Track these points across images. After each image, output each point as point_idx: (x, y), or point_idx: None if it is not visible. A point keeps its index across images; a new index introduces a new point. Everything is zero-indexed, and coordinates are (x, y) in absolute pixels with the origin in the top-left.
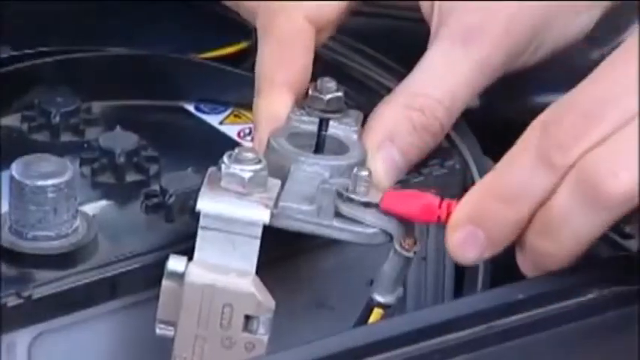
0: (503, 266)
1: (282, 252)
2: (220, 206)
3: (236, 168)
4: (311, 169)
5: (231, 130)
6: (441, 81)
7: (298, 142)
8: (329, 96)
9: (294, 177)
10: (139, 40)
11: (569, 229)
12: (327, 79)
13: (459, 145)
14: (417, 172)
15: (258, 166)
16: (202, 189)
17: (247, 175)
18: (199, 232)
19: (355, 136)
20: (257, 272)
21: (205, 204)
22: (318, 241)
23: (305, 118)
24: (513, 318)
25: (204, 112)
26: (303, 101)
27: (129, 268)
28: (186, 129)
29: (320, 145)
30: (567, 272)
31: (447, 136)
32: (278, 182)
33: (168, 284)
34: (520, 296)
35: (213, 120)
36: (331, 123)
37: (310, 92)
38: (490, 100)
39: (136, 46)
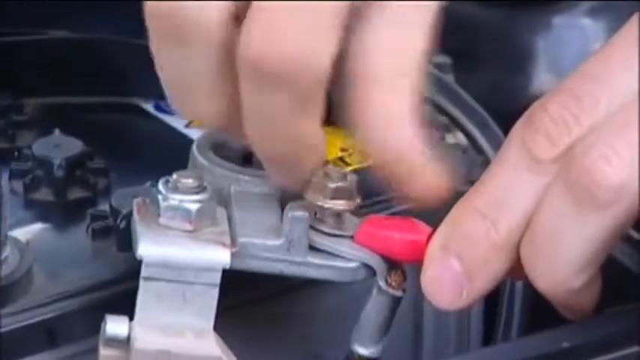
0: (543, 304)
1: (259, 293)
2: (167, 251)
3: (176, 199)
4: (258, 190)
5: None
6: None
7: (227, 155)
8: None
9: (239, 202)
10: (84, 21)
11: (562, 240)
12: None
13: (489, 155)
14: None
15: (204, 195)
16: (138, 229)
17: (194, 207)
18: (141, 284)
19: None
20: (229, 316)
21: (148, 249)
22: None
23: None
24: None
25: (165, 111)
26: None
27: (71, 308)
28: (143, 133)
29: (248, 155)
30: (623, 315)
31: (475, 144)
32: (223, 210)
33: (109, 353)
34: (565, 344)
35: (177, 122)
36: None
37: None
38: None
39: (81, 29)
